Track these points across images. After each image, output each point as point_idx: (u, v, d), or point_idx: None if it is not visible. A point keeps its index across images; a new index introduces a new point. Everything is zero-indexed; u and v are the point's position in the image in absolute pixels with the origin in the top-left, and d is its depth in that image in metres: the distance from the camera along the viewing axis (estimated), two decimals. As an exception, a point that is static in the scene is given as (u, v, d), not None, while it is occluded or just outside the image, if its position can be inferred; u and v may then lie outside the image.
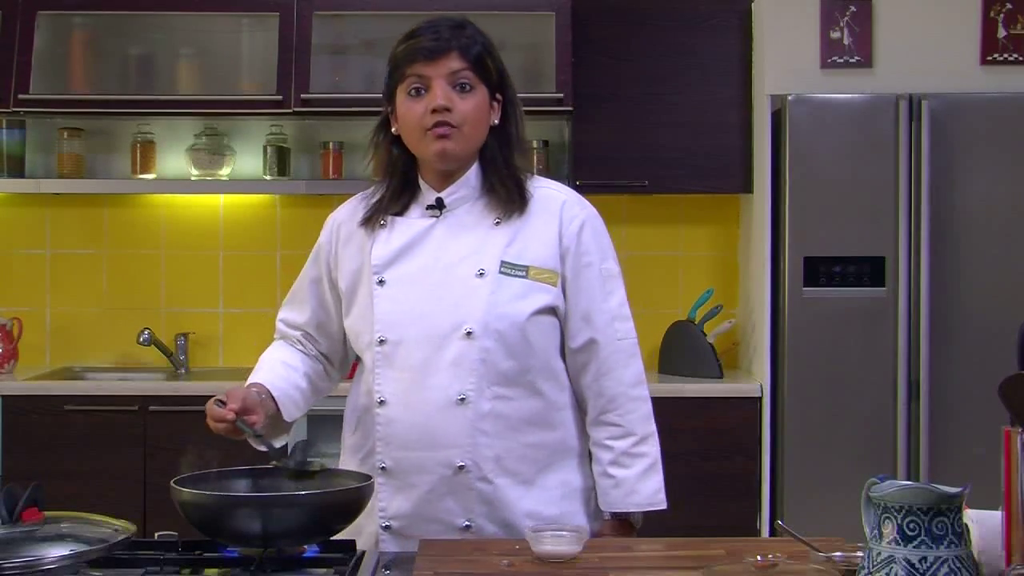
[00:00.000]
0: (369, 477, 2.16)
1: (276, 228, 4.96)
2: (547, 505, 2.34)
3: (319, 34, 4.58)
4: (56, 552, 1.84)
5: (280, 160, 4.88)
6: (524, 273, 2.32)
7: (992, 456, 1.87)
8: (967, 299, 4.30)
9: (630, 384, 2.37)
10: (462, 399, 2.28)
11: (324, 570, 2.03)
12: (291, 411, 2.42)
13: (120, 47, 4.75)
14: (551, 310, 2.34)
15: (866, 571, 1.70)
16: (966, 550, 1.68)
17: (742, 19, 4.66)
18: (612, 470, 2.36)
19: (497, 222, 2.34)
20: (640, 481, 2.35)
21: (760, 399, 4.42)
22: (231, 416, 2.23)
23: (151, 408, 4.37)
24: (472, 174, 2.36)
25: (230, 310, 4.98)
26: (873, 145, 4.31)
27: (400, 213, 2.39)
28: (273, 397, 2.38)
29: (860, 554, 1.83)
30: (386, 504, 2.32)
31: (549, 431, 2.36)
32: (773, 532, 4.33)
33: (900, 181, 4.29)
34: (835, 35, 4.42)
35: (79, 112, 4.72)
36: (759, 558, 1.95)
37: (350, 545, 2.12)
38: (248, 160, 4.93)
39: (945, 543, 1.66)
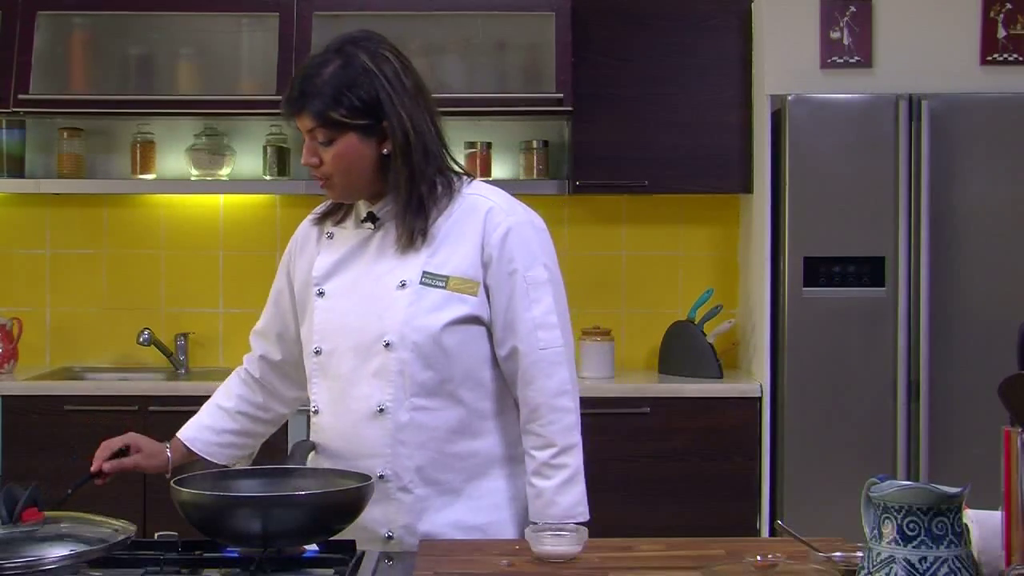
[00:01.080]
0: (368, 477, 2.17)
1: (276, 228, 4.95)
2: (473, 514, 2.35)
3: (319, 34, 4.57)
4: (56, 552, 1.84)
5: (280, 160, 4.88)
6: (444, 284, 2.31)
7: (992, 456, 1.87)
8: (967, 299, 4.30)
9: (552, 394, 2.34)
10: (381, 409, 2.30)
11: (324, 570, 2.03)
12: (220, 454, 2.53)
13: (120, 47, 4.75)
14: (474, 320, 2.33)
15: (866, 571, 1.70)
16: (966, 550, 1.68)
17: (742, 19, 4.66)
18: (534, 480, 2.35)
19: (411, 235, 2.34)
20: (558, 493, 2.32)
21: (760, 399, 4.42)
22: (93, 469, 2.36)
23: (151, 408, 4.37)
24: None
25: (230, 310, 4.98)
26: (873, 145, 4.31)
27: (341, 222, 2.42)
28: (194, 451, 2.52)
29: (860, 554, 1.83)
30: None
31: (474, 440, 2.35)
32: (773, 532, 4.33)
33: (900, 181, 4.29)
34: (835, 35, 4.42)
35: (79, 112, 4.72)
36: (759, 558, 1.96)
37: (350, 545, 2.12)
38: (248, 160, 4.93)
39: (945, 543, 1.66)
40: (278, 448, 4.01)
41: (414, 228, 2.32)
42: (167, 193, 4.94)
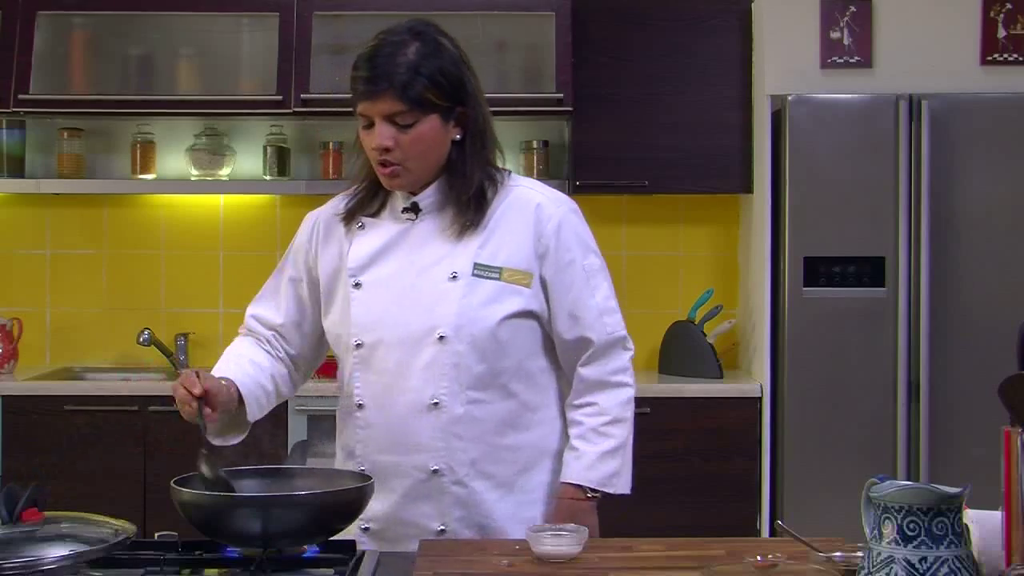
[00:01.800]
0: (369, 477, 2.16)
1: (276, 228, 4.95)
2: (526, 507, 2.36)
3: (319, 34, 4.58)
4: (56, 552, 1.84)
5: (280, 160, 4.88)
6: (498, 275, 2.31)
7: (992, 456, 1.87)
8: (967, 299, 4.30)
9: (612, 372, 2.39)
10: (435, 403, 2.28)
11: (324, 570, 2.03)
12: (255, 411, 2.39)
13: (120, 47, 4.75)
14: (528, 313, 2.33)
15: (866, 571, 1.70)
16: (966, 550, 1.68)
17: (742, 19, 4.66)
18: (576, 443, 2.37)
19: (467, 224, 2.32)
20: (600, 460, 2.36)
21: (760, 399, 4.42)
22: (197, 391, 2.17)
23: (151, 408, 4.36)
24: (444, 180, 2.34)
25: (230, 310, 4.97)
26: (873, 145, 4.31)
27: (376, 214, 2.38)
28: (241, 395, 2.34)
29: (860, 554, 1.83)
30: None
31: (525, 432, 2.36)
32: (773, 532, 4.33)
33: (900, 181, 4.29)
34: (835, 35, 4.42)
35: (79, 112, 4.72)
36: (759, 558, 1.95)
37: (350, 545, 2.12)
38: (248, 160, 4.93)
39: (945, 543, 1.66)
40: (278, 448, 4.02)
41: (473, 217, 2.31)
42: (167, 193, 4.94)
